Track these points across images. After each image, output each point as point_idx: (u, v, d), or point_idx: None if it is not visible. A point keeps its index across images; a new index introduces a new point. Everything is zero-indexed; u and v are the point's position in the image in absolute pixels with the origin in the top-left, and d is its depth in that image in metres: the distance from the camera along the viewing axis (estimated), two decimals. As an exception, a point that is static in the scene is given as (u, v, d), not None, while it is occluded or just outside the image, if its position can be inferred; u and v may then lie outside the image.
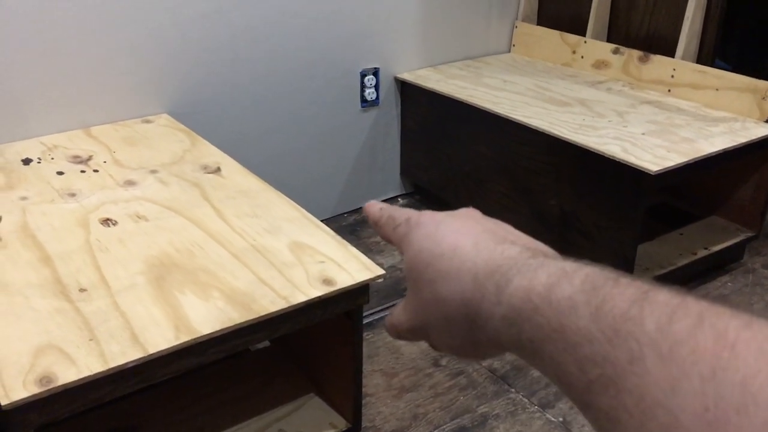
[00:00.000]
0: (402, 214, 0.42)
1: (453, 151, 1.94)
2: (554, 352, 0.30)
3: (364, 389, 1.31)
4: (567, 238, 1.66)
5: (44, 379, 0.80)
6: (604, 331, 0.28)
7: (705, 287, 1.76)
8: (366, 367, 1.44)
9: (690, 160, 1.47)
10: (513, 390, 1.42)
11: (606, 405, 0.27)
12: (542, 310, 0.31)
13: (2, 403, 0.77)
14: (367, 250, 1.81)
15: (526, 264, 0.34)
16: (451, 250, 0.37)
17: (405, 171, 2.14)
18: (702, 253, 1.72)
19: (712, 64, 1.78)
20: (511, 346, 0.34)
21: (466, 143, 1.89)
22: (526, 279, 0.33)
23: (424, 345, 1.52)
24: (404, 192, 2.19)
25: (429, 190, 2.11)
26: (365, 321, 1.41)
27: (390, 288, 1.73)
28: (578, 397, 0.29)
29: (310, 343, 1.24)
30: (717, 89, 1.72)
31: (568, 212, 1.64)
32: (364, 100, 1.97)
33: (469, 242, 0.37)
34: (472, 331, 0.36)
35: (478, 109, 1.79)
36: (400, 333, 0.41)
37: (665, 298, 0.27)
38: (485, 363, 1.47)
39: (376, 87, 1.98)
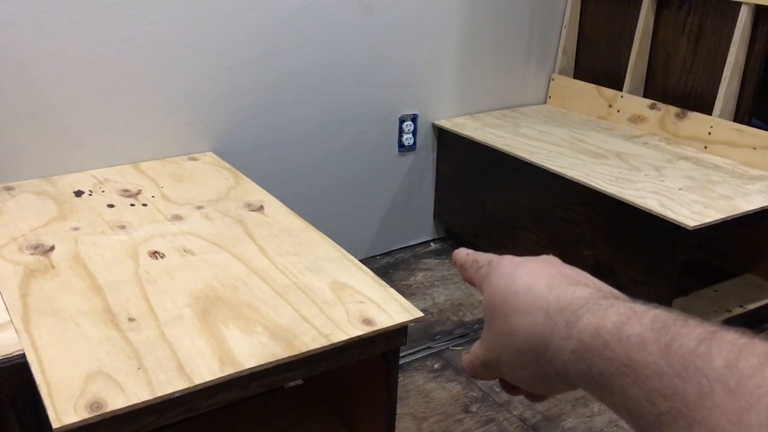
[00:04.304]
0: (485, 257, 0.45)
1: (487, 198, 1.96)
2: (624, 386, 0.31)
3: (394, 432, 1.31)
4: (600, 290, 1.65)
5: (94, 404, 0.83)
6: (673, 366, 0.29)
7: (740, 345, 1.74)
8: (396, 410, 1.44)
9: (727, 216, 1.47)
10: (543, 440, 1.41)
11: None
12: (612, 346, 0.33)
13: (54, 427, 0.79)
14: (400, 293, 1.82)
15: (596, 304, 0.36)
16: (526, 288, 0.40)
17: (438, 216, 2.17)
18: (737, 310, 1.71)
19: (749, 123, 1.79)
20: (579, 381, 0.35)
21: (500, 191, 1.91)
22: (597, 317, 0.34)
23: (454, 391, 1.52)
24: (437, 237, 2.21)
25: (462, 236, 2.13)
26: (398, 363, 1.42)
27: (421, 332, 1.73)
28: (648, 429, 0.30)
29: (344, 382, 1.25)
30: (754, 148, 1.73)
31: (603, 264, 1.65)
32: (401, 145, 2.01)
33: (543, 282, 0.40)
34: (540, 365, 0.38)
35: (514, 157, 1.81)
36: (476, 368, 0.43)
37: (732, 337, 0.29)
38: (516, 412, 1.47)
39: (414, 133, 2.02)
